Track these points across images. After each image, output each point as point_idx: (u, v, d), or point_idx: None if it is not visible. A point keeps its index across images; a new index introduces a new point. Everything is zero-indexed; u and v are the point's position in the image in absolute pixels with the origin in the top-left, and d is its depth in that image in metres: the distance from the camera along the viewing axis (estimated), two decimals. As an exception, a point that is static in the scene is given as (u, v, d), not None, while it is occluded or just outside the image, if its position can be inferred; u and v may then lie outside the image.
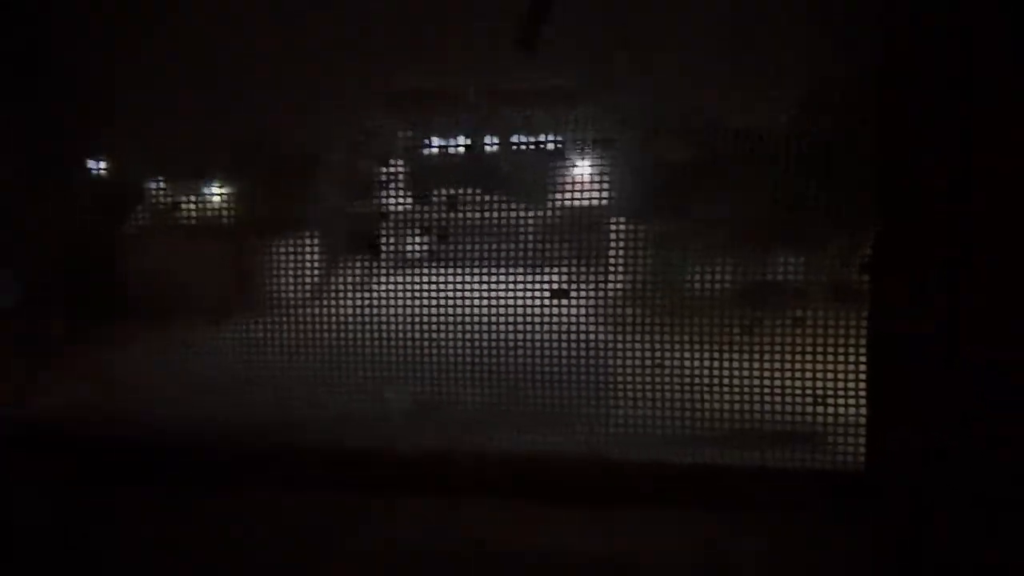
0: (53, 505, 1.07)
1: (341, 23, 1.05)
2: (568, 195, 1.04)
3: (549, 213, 1.05)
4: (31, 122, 1.16)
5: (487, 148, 1.08)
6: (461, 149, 1.09)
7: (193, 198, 1.16)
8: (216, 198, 1.17)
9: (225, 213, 1.18)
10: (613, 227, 1.04)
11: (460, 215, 1.07)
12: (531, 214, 1.05)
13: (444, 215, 1.08)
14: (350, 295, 1.10)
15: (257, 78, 1.08)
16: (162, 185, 1.18)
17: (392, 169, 1.10)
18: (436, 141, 1.09)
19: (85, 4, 1.15)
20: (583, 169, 1.04)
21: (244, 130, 1.13)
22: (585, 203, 1.04)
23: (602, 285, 1.05)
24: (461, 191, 1.07)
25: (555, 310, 1.05)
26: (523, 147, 1.07)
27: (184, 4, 1.10)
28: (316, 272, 1.12)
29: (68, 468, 1.09)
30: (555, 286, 1.04)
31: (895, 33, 0.82)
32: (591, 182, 1.03)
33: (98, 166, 1.22)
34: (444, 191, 1.08)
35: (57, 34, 1.14)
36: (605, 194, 1.03)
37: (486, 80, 1.06)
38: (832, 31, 0.93)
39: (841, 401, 0.97)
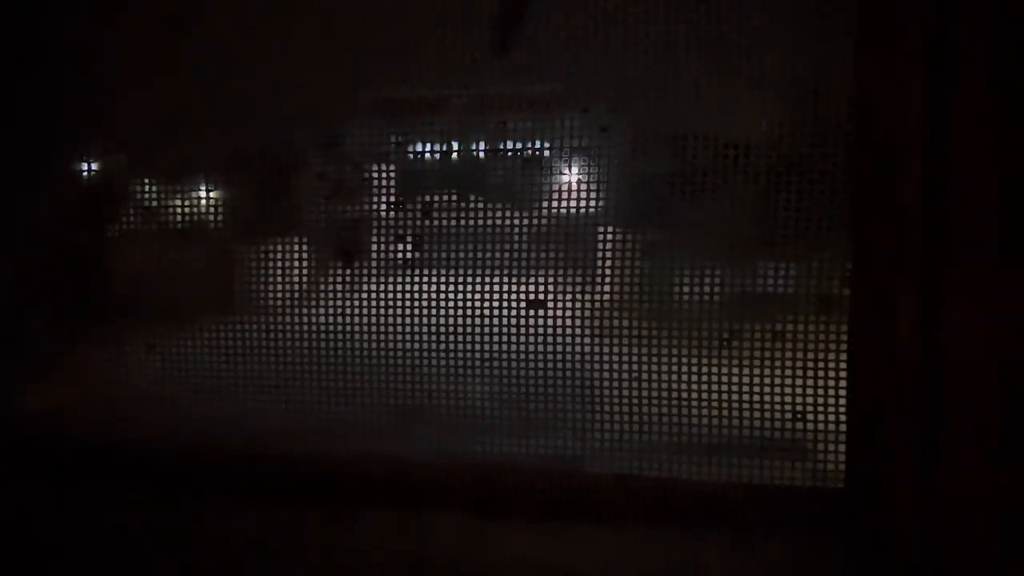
0: (32, 506, 1.07)
1: (325, 29, 1.05)
2: (548, 202, 1.04)
3: (533, 220, 1.04)
4: (20, 122, 1.16)
5: (472, 154, 1.08)
6: (444, 155, 1.08)
7: (179, 202, 1.16)
8: (202, 202, 1.17)
9: (211, 217, 1.17)
10: (600, 235, 1.03)
11: (442, 221, 1.06)
12: (515, 221, 1.04)
13: (424, 221, 1.07)
14: (331, 301, 1.08)
15: (243, 83, 1.08)
16: (149, 188, 1.17)
17: (375, 175, 1.09)
18: (419, 146, 1.09)
19: (83, 4, 1.15)
20: (566, 176, 1.03)
21: (230, 136, 1.13)
22: (569, 211, 1.03)
23: (582, 294, 1.04)
24: (443, 197, 1.07)
25: (535, 319, 1.04)
26: (506, 153, 1.06)
27: (170, 8, 1.10)
28: (300, 277, 1.11)
29: (46, 469, 1.09)
30: (531, 296, 1.03)
31: (866, 41, 0.82)
32: (575, 190, 1.03)
33: (88, 168, 1.22)
34: (426, 197, 1.08)
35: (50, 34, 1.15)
36: (589, 202, 1.02)
37: (471, 86, 1.06)
38: (808, 41, 0.93)
39: (820, 415, 0.96)
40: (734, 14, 0.95)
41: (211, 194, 1.17)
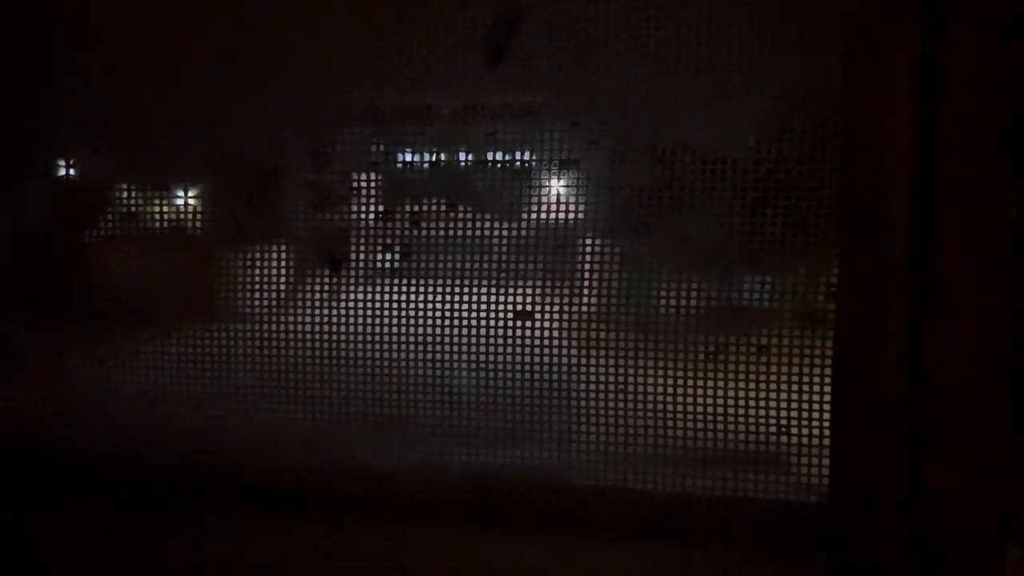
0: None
1: (311, 35, 1.04)
2: (535, 213, 1.04)
3: (522, 231, 1.04)
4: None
5: (460, 164, 1.07)
6: (432, 164, 1.08)
7: (159, 207, 1.15)
8: (185, 207, 1.16)
9: (195, 222, 1.16)
10: (588, 247, 1.03)
11: (429, 230, 1.06)
12: (503, 231, 1.04)
13: (412, 231, 1.07)
14: (316, 309, 1.08)
15: (227, 88, 1.07)
16: (128, 192, 1.15)
17: (359, 183, 1.08)
18: (408, 156, 1.09)
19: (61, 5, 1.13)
20: (550, 188, 1.03)
21: (212, 141, 1.12)
22: (557, 222, 1.03)
23: (566, 306, 1.04)
24: (431, 207, 1.06)
25: (521, 330, 1.03)
26: (494, 164, 1.06)
27: (153, 9, 1.09)
28: (285, 285, 1.10)
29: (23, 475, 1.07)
30: (519, 307, 1.03)
31: (855, 55, 0.84)
32: (562, 201, 1.03)
33: (66, 170, 1.20)
34: (414, 206, 1.07)
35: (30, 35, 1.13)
36: (572, 214, 1.02)
37: (460, 96, 1.05)
38: (793, 54, 0.94)
39: (805, 428, 0.96)
40: (723, 28, 0.95)
41: (195, 199, 1.15)
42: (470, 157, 1.07)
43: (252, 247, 1.10)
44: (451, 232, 1.05)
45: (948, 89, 0.77)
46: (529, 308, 1.03)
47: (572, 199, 1.02)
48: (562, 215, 1.02)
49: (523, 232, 1.03)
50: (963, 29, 0.76)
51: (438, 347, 1.04)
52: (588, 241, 1.03)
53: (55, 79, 1.12)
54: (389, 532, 0.98)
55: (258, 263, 1.10)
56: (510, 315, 1.03)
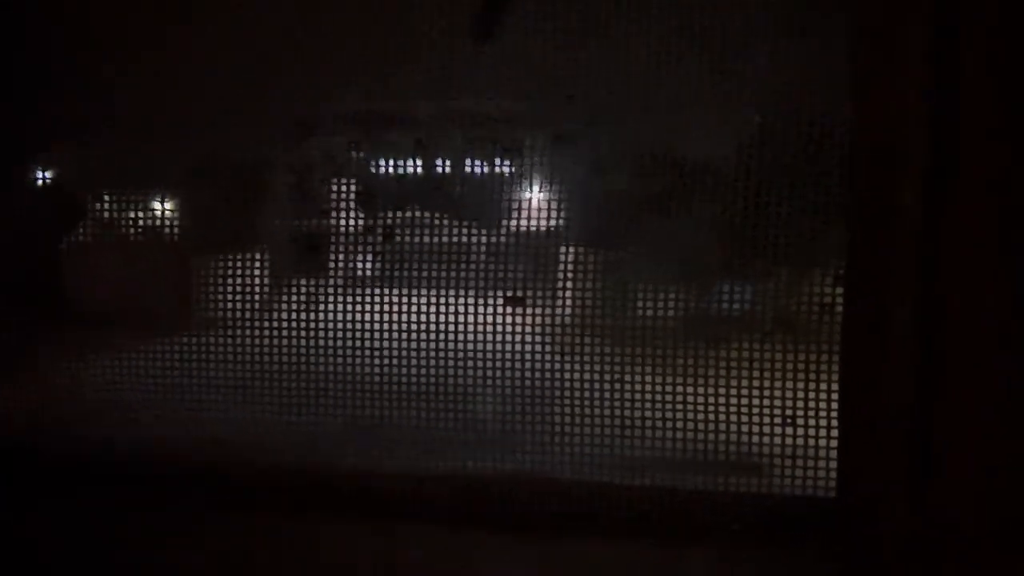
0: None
1: (290, 40, 1.03)
2: (518, 220, 1.02)
3: (498, 238, 1.02)
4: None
5: (440, 170, 1.06)
6: (411, 170, 1.07)
7: (139, 212, 1.15)
8: (162, 212, 1.16)
9: (171, 227, 1.16)
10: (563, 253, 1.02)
11: (409, 238, 1.05)
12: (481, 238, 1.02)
13: (387, 237, 1.07)
14: (294, 314, 1.07)
15: (206, 93, 1.07)
16: (108, 197, 1.16)
17: (341, 189, 1.07)
18: (386, 161, 1.07)
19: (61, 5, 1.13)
20: (533, 194, 1.02)
21: (192, 146, 1.12)
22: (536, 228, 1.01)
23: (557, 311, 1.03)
24: (411, 213, 1.06)
25: (503, 333, 1.01)
26: (479, 171, 1.05)
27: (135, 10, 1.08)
28: (261, 292, 1.10)
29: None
30: (509, 294, 1.01)
31: (863, 42, 0.80)
32: (541, 207, 1.01)
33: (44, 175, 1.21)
34: (393, 213, 1.07)
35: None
36: (557, 220, 1.01)
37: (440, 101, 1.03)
38: (795, 48, 0.91)
39: (812, 422, 0.93)
40: (716, 26, 0.92)
41: (170, 204, 1.15)
42: (451, 163, 1.06)
43: (234, 252, 1.09)
44: (432, 239, 1.04)
45: (961, 76, 0.72)
46: (520, 295, 1.01)
47: (555, 204, 1.00)
48: (548, 221, 1.01)
49: (513, 239, 1.02)
50: (977, 13, 0.71)
51: (424, 352, 1.02)
52: (591, 248, 1.01)
53: (34, 83, 1.11)
54: (377, 531, 0.98)
55: (239, 268, 1.09)
56: (501, 302, 1.01)
